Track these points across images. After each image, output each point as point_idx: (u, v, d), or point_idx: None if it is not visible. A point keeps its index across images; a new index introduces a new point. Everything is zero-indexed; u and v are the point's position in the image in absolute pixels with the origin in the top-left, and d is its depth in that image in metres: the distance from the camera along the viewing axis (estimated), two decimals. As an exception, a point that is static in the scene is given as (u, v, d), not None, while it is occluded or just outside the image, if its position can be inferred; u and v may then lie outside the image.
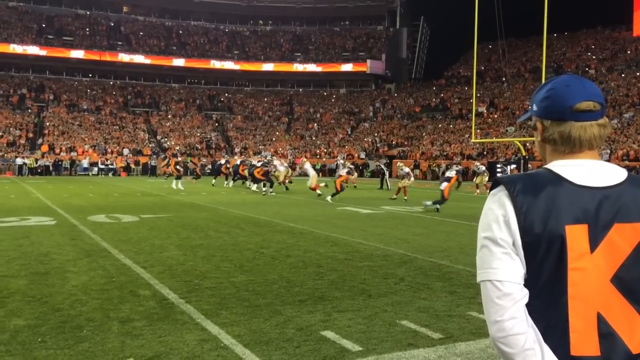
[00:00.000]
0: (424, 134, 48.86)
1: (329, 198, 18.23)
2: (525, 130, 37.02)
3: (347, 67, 64.59)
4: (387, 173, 26.78)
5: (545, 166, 1.40)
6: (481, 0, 27.09)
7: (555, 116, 1.39)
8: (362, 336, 4.58)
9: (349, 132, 55.21)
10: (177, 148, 25.56)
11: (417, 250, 8.65)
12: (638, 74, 42.78)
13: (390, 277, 6.78)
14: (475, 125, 33.11)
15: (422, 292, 6.05)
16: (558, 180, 1.34)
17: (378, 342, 4.46)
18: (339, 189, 18.50)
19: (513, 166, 31.09)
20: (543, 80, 25.60)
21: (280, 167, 24.43)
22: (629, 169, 27.90)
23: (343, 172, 20.29)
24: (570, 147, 1.38)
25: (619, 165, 1.43)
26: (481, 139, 37.75)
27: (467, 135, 41.93)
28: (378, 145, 49.91)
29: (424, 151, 44.02)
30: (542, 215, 1.30)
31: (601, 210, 1.30)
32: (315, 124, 57.67)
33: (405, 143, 48.26)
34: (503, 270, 1.34)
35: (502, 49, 41.84)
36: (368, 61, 63.01)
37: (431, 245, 9.21)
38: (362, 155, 47.96)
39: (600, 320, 1.31)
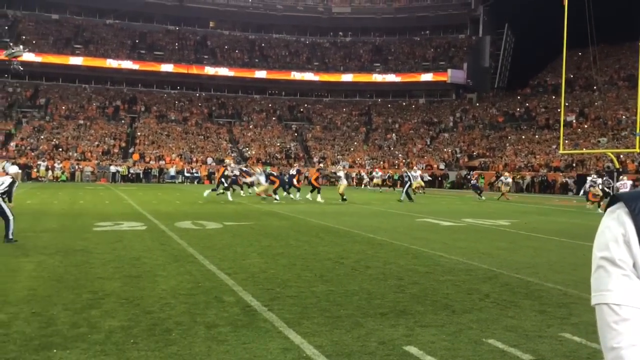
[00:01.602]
0: (507, 145, 47.23)
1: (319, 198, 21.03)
2: (619, 142, 34.95)
3: (427, 76, 63.74)
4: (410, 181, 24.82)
5: None
6: (570, 5, 25.92)
7: None
8: (446, 353, 4.45)
9: (428, 143, 54.36)
10: (227, 160, 25.53)
11: (502, 266, 8.32)
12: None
13: (475, 293, 6.56)
14: (563, 135, 31.62)
15: (509, 310, 5.80)
16: None
17: (464, 360, 4.31)
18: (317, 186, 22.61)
19: (603, 179, 29.36)
20: (639, 89, 24.06)
21: (261, 177, 23.15)
22: None
23: (343, 181, 22.95)
24: None
25: None
26: (570, 149, 35.96)
27: (554, 146, 40.12)
28: (458, 155, 48.77)
29: (507, 162, 42.51)
30: None
31: None
32: (393, 134, 57.27)
33: (487, 154, 46.84)
34: (621, 293, 1.27)
35: (594, 55, 39.74)
36: (449, 70, 61.88)
37: (517, 261, 8.83)
38: (442, 166, 47.03)
39: None
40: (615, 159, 29.30)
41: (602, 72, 51.36)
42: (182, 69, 61.71)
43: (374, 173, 37.89)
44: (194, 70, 62.10)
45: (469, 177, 33.74)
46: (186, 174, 44.55)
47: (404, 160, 48.15)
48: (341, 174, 23.09)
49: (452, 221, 15.27)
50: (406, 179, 24.63)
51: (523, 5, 61.23)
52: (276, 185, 22.73)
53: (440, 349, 4.53)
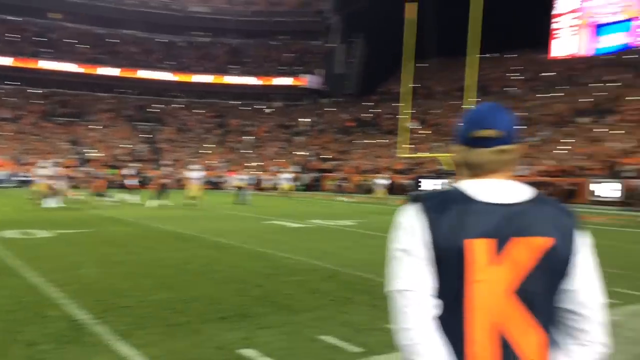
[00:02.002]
0: (355, 149, 49.62)
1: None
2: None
3: (283, 80, 64.77)
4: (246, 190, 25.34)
5: (455, 185, 1.48)
6: (415, 20, 27.93)
7: (461, 142, 1.50)
8: (283, 353, 4.53)
9: (283, 146, 55.24)
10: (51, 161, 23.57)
11: (344, 264, 8.69)
12: (554, 94, 45.39)
13: (316, 292, 6.76)
14: (405, 140, 33.97)
15: (345, 306, 6.07)
16: (466, 197, 1.42)
17: (297, 358, 4.42)
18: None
19: (444, 181, 32.03)
20: (465, 100, 26.68)
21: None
22: (546, 184, 29.40)
23: (194, 183, 22.30)
24: (473, 170, 1.47)
25: (536, 180, 1.49)
26: (409, 154, 38.71)
27: (394, 150, 42.92)
28: (311, 158, 50.20)
29: (354, 165, 44.64)
30: (450, 229, 1.37)
31: (505, 226, 1.38)
32: (248, 137, 57.33)
33: (338, 157, 48.79)
34: (411, 280, 1.39)
35: (433, 67, 43.31)
36: (305, 76, 63.48)
37: (358, 259, 9.28)
38: (296, 169, 48.04)
39: (499, 331, 1.36)
40: (445, 162, 32.13)
41: (441, 83, 56.12)
42: (20, 63, 56.06)
43: (235, 176, 37.27)
44: (33, 64, 56.74)
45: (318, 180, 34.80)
46: (20, 177, 40.49)
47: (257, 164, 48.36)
48: (195, 175, 22.43)
49: (300, 223, 15.64)
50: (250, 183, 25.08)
51: (375, 17, 64.72)
52: (101, 185, 22.23)
53: (277, 349, 4.60)
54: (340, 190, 33.35)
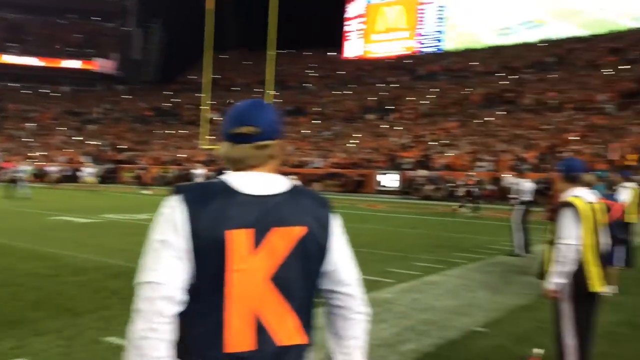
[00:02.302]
0: (154, 139, 47.72)
1: None
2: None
3: (73, 63, 59.30)
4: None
5: (220, 177, 1.50)
6: (216, 9, 27.67)
7: (223, 137, 1.53)
8: (60, 359, 4.17)
9: (72, 134, 50.70)
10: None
11: (135, 261, 8.29)
12: (347, 91, 49.01)
13: (102, 291, 6.35)
14: (207, 132, 33.64)
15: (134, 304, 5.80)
16: (228, 189, 1.45)
17: (73, 363, 4.12)
18: None
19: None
20: (265, 93, 27.40)
21: None
22: (338, 175, 31.66)
23: None
24: (236, 164, 1.51)
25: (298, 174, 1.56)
26: (211, 145, 38.51)
27: (196, 141, 42.34)
28: (105, 148, 46.94)
29: (154, 156, 42.95)
30: (210, 221, 1.39)
31: (263, 216, 1.44)
32: (30, 124, 51.43)
33: (136, 148, 46.42)
34: (163, 273, 1.37)
35: (234, 59, 43.51)
36: (97, 59, 58.90)
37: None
38: (88, 159, 44.47)
39: (257, 317, 1.41)
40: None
41: (243, 75, 56.72)
42: None
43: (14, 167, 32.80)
44: None
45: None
46: None
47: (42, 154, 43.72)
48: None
49: (89, 218, 14.53)
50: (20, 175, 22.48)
51: (174, 3, 62.65)
52: None
53: (54, 356, 4.24)
54: (140, 183, 31.67)
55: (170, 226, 1.40)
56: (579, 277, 3.47)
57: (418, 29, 54.87)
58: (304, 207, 1.50)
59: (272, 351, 1.41)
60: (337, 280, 1.55)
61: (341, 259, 1.56)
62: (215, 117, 42.84)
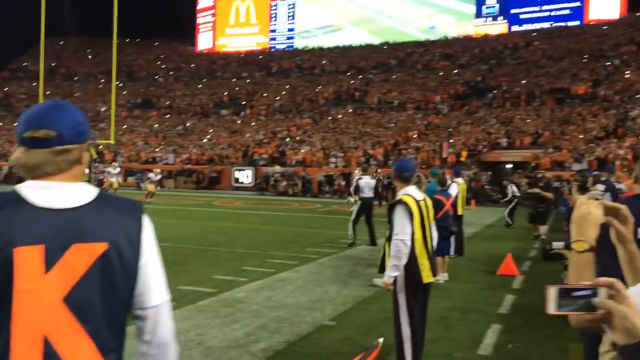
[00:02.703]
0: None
1: None
2: (99, 133, 36.66)
3: None
4: None
5: (15, 186, 1.34)
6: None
7: (19, 143, 1.36)
8: None
9: None
10: None
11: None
12: (199, 85, 47.93)
13: None
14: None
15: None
16: (19, 201, 1.30)
17: None
18: None
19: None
20: (113, 82, 25.86)
21: None
22: (192, 172, 30.90)
23: None
24: (32, 172, 1.34)
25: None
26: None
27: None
28: None
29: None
30: None
31: (60, 232, 1.30)
32: None
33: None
34: None
35: (74, 46, 40.36)
36: None
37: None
38: None
39: (46, 342, 1.27)
40: (93, 149, 30.63)
41: (83, 64, 52.80)
42: None
43: None
44: None
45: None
46: None
47: None
48: None
49: None
50: None
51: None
52: None
53: None
54: None
55: None
56: (411, 269, 3.77)
57: (271, 25, 55.47)
58: (109, 219, 1.36)
59: None
60: (141, 302, 1.41)
61: (148, 281, 1.41)
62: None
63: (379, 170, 21.83)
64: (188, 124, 40.98)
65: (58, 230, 1.29)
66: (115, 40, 24.53)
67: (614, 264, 1.40)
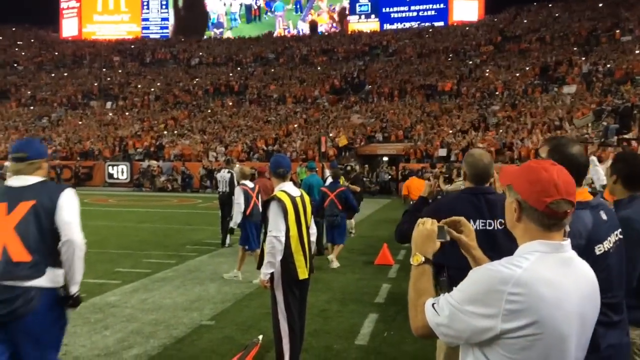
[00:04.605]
0: None
1: None
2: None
3: None
4: None
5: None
6: None
7: (10, 159, 3.05)
8: None
9: None
10: None
11: None
12: (65, 74, 44.55)
13: None
14: None
15: None
16: (2, 184, 2.94)
17: None
18: None
19: None
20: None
21: None
22: (62, 167, 28.69)
23: None
24: (13, 173, 2.97)
25: None
26: None
27: None
28: None
29: None
30: None
31: (16, 196, 2.83)
32: None
33: None
34: None
35: None
36: None
37: None
38: None
39: (4, 248, 2.73)
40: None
41: None
42: None
43: None
44: None
45: None
46: None
47: None
48: None
49: None
50: None
51: None
52: None
53: None
54: None
55: None
56: (287, 266, 3.76)
57: (143, 13, 53.05)
58: (39, 189, 2.86)
59: (7, 261, 2.71)
60: (62, 228, 2.81)
61: (62, 215, 2.83)
62: None
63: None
64: (53, 116, 37.96)
65: (15, 195, 2.81)
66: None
67: (461, 275, 1.52)
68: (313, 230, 4.11)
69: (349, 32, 48.10)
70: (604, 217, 2.03)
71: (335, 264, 8.10)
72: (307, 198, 4.05)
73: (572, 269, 1.41)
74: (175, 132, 32.90)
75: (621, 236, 2.08)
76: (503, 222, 2.12)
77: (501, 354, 1.35)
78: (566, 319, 1.34)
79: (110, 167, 28.67)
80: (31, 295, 2.66)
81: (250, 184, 7.63)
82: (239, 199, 7.37)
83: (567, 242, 1.45)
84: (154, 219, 14.59)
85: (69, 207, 2.81)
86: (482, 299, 1.34)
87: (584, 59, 31.69)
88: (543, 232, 1.42)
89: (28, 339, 2.68)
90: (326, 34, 49.11)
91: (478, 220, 2.59)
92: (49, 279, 2.74)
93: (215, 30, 52.52)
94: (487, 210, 2.62)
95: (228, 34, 51.61)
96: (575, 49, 33.67)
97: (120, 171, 28.55)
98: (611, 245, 2.00)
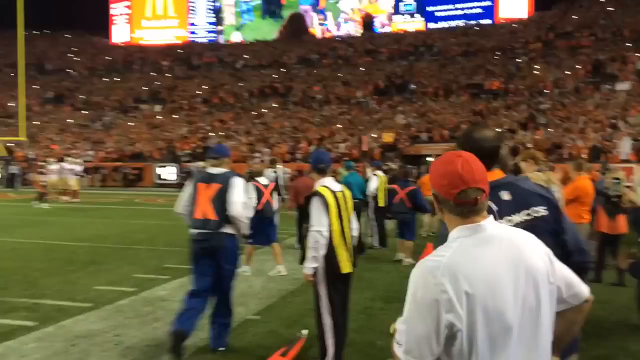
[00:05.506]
0: None
1: None
2: (9, 129, 34.46)
3: None
4: None
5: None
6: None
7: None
8: None
9: None
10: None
11: None
12: (117, 79, 45.99)
13: None
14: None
15: None
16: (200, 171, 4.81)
17: None
18: None
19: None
20: (23, 76, 24.36)
21: None
22: (112, 169, 29.70)
23: None
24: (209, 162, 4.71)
25: None
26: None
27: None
28: None
29: None
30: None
31: (208, 178, 4.52)
32: None
33: None
34: None
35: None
36: None
37: None
38: None
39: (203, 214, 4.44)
40: (2, 147, 28.81)
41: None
42: None
43: None
44: None
45: None
46: None
47: None
48: None
49: None
50: None
51: None
52: None
53: None
54: None
55: None
56: (329, 260, 3.79)
57: (190, 18, 54.26)
58: (223, 177, 4.48)
59: (205, 219, 4.38)
60: (228, 204, 4.47)
61: (231, 196, 4.40)
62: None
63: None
64: (106, 119, 39.30)
65: (211, 179, 4.53)
66: (22, 33, 23.14)
67: None
68: (355, 225, 4.13)
69: (394, 32, 47.84)
70: (506, 197, 2.00)
71: (408, 261, 8.17)
72: (348, 193, 4.07)
73: (495, 243, 1.44)
74: (221, 134, 33.48)
75: (537, 215, 2.01)
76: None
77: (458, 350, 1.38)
78: (498, 294, 1.38)
79: (158, 169, 29.44)
80: (221, 237, 4.35)
81: (264, 181, 7.77)
82: (250, 194, 7.46)
83: (487, 221, 1.48)
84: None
85: (236, 191, 4.41)
86: (421, 295, 1.38)
87: (638, 55, 30.50)
88: (462, 219, 1.48)
89: (223, 260, 4.42)
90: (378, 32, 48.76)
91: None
92: (229, 229, 4.41)
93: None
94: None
95: (236, 36, 51.98)
96: (629, 45, 32.44)
97: (168, 172, 29.28)
98: (516, 224, 1.94)
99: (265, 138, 31.51)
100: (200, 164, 28.34)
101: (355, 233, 4.10)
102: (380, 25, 49.44)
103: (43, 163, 20.20)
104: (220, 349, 4.43)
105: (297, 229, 8.78)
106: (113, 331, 4.87)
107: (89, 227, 12.06)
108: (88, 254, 8.84)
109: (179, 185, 27.98)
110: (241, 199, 4.42)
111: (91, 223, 12.91)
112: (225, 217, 4.34)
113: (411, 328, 1.40)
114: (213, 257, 4.40)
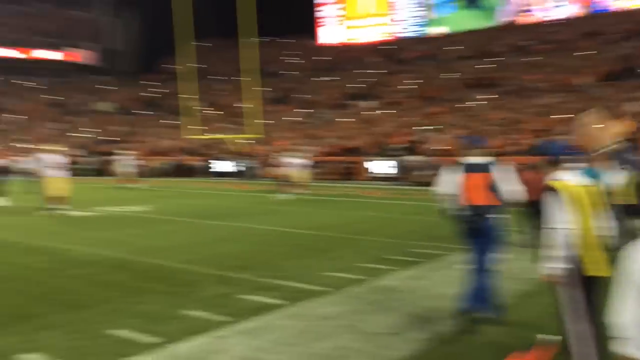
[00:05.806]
0: (141, 130, 47.24)
1: None
2: (238, 128, 38.77)
3: (51, 54, 58.17)
4: None
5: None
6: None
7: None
8: (68, 353, 4.21)
9: (58, 127, 50.03)
10: None
11: (134, 252, 8.27)
12: (330, 78, 48.72)
13: (104, 284, 6.34)
14: (192, 121, 33.30)
15: (139, 296, 5.80)
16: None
17: (85, 357, 4.13)
18: None
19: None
20: (249, 81, 27.07)
21: None
22: (328, 163, 31.57)
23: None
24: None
25: None
26: (197, 135, 38.27)
27: (183, 131, 41.99)
28: (96, 140, 46.39)
29: (147, 147, 42.46)
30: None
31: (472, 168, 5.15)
32: (10, 115, 50.61)
33: (126, 139, 45.93)
34: None
35: (216, 47, 42.92)
36: (77, 50, 57.97)
37: (151, 246, 8.92)
38: (83, 152, 43.90)
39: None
40: (231, 145, 32.31)
41: (227, 63, 56.11)
42: None
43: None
44: None
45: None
46: None
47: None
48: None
49: (84, 211, 14.34)
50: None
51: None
52: None
53: (63, 349, 4.29)
54: (136, 175, 28.96)
55: None
56: (572, 261, 3.46)
57: (394, 14, 55.21)
58: (488, 166, 5.15)
59: (476, 204, 5.01)
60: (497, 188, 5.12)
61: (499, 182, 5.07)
62: (198, 106, 42.42)
63: None
64: (324, 116, 41.94)
65: (482, 168, 5.15)
66: (253, 39, 25.65)
67: None
68: (610, 223, 3.64)
69: (615, 11, 42.41)
70: None
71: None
72: (598, 187, 3.60)
73: None
74: (433, 127, 33.31)
75: None
76: None
77: None
78: None
79: (368, 163, 30.46)
80: (488, 218, 4.97)
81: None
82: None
83: None
84: (418, 210, 14.89)
85: (503, 178, 5.05)
86: None
87: None
88: None
89: (488, 237, 5.02)
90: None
91: None
92: (494, 213, 5.03)
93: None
94: None
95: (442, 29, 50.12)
96: None
97: (380, 166, 30.10)
98: None
99: (478, 131, 30.49)
100: (417, 158, 28.69)
101: (611, 232, 3.64)
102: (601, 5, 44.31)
103: (276, 158, 22.37)
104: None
105: (527, 225, 8.29)
106: (347, 316, 5.16)
107: (313, 217, 12.98)
108: (314, 240, 9.53)
109: (393, 179, 28.63)
110: (506, 185, 5.05)
111: (314, 213, 13.88)
112: (492, 202, 4.98)
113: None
114: (481, 234, 5.06)
